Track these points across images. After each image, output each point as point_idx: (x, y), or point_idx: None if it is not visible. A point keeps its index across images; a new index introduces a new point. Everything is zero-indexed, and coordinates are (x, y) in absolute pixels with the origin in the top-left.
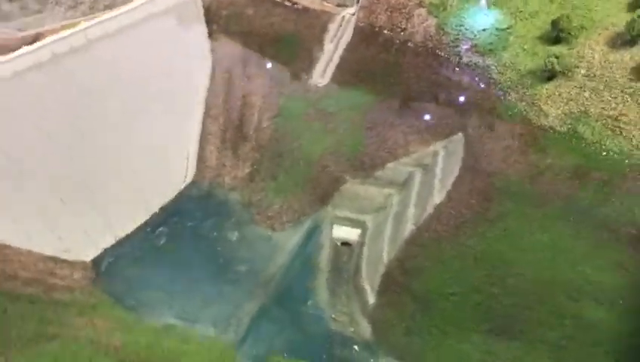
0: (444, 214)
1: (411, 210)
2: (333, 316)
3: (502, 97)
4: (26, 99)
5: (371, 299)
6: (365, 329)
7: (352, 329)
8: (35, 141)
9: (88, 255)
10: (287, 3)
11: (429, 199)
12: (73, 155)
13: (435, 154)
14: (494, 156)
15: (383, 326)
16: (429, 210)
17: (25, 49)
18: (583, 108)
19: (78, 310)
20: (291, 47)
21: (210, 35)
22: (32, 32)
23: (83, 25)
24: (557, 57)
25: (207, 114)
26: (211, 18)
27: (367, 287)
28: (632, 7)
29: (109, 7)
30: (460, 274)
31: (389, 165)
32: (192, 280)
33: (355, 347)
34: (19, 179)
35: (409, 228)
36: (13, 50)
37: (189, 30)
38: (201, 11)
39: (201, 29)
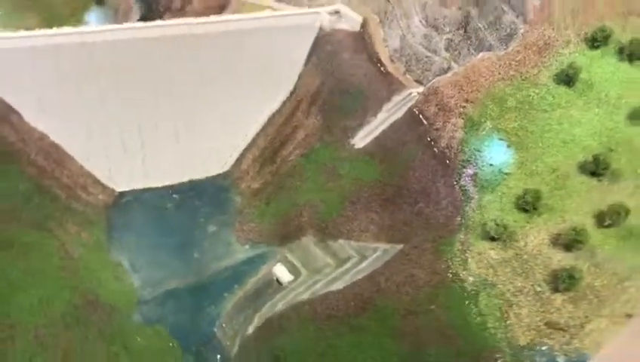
0: (327, 301)
1: (320, 284)
2: (223, 324)
3: (456, 233)
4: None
5: (249, 331)
6: (229, 349)
7: (225, 343)
8: (138, 93)
9: (120, 187)
10: (377, 62)
11: (334, 283)
12: (157, 114)
13: (375, 251)
14: (397, 278)
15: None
16: (325, 291)
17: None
18: (494, 281)
19: (78, 219)
20: (354, 101)
21: (306, 63)
22: None
23: (225, 17)
24: (497, 225)
25: (264, 129)
26: (315, 47)
27: (255, 321)
28: (599, 222)
29: None
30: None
31: (341, 241)
32: (160, 246)
33: (218, 357)
34: (109, 116)
35: (305, 296)
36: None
37: (291, 50)
38: (311, 41)
39: (303, 54)
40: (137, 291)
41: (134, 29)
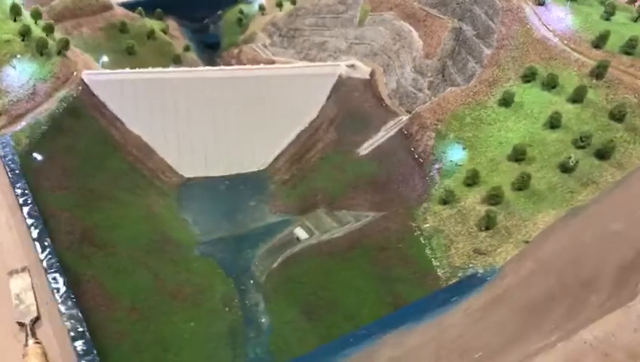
0: (329, 243)
1: (325, 236)
2: (256, 262)
3: (423, 203)
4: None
5: (274, 266)
6: (259, 277)
7: (257, 274)
8: (203, 113)
9: (187, 174)
10: (379, 99)
11: (335, 235)
12: (216, 127)
13: (367, 216)
14: (377, 228)
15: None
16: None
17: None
18: (442, 228)
19: (158, 191)
20: (361, 124)
21: (327, 98)
22: (274, 58)
23: (276, 65)
24: (447, 191)
25: (294, 141)
26: (334, 88)
27: (279, 260)
28: (513, 186)
29: (305, 58)
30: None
31: (344, 211)
32: (214, 211)
33: (251, 281)
34: (183, 126)
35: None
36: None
37: (317, 90)
38: (332, 84)
39: (326, 92)
40: (197, 236)
41: (203, 70)
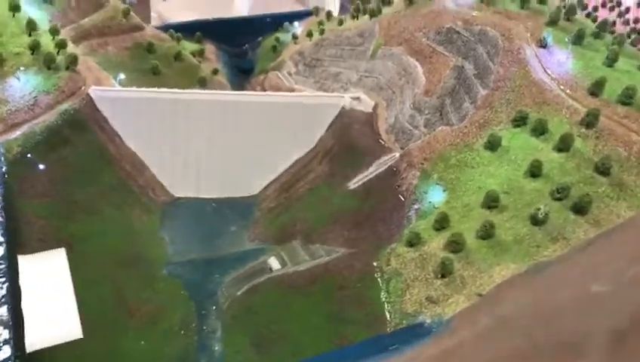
0: (291, 277)
1: (292, 269)
2: (223, 288)
3: (391, 243)
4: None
5: (238, 293)
6: (223, 304)
7: (221, 300)
8: (201, 134)
9: (178, 194)
10: (376, 133)
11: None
12: (212, 150)
13: (338, 252)
14: (341, 265)
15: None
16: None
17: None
18: (402, 272)
19: (143, 208)
20: (355, 158)
21: (327, 129)
22: (295, 86)
23: (279, 93)
24: (412, 233)
25: (287, 170)
26: (336, 119)
27: (244, 288)
28: (476, 234)
29: (320, 88)
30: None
31: (318, 245)
32: (193, 233)
33: (213, 307)
34: (179, 146)
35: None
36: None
37: (318, 120)
38: (334, 115)
39: (326, 123)
40: (170, 256)
41: (207, 93)
